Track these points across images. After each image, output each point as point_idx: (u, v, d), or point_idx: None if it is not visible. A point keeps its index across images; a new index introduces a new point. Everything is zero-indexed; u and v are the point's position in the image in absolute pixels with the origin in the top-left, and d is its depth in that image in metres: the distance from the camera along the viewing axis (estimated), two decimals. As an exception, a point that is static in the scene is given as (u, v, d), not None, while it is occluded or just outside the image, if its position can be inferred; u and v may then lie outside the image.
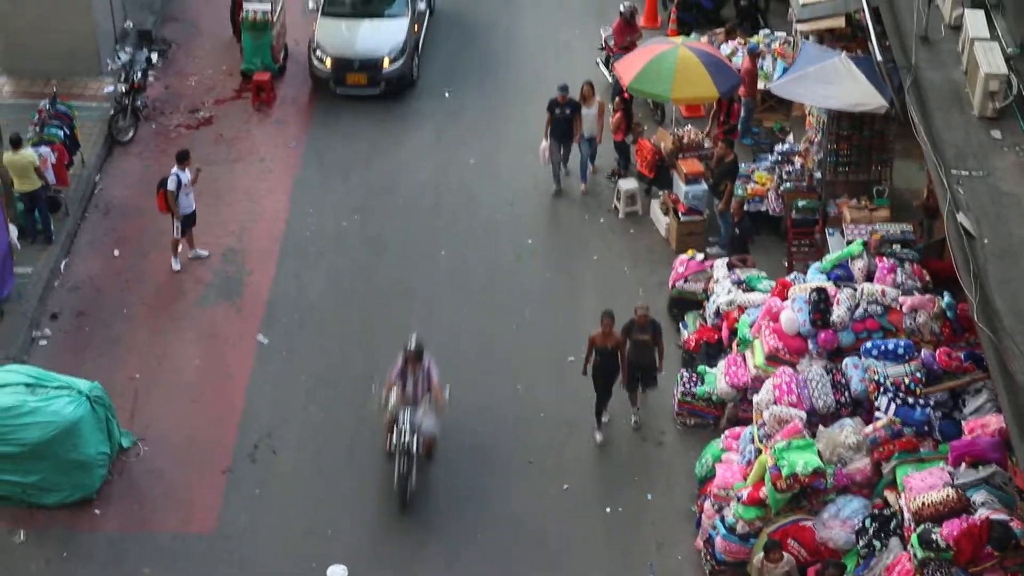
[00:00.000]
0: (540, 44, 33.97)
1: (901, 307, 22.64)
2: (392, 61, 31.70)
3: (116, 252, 27.56)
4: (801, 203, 27.15)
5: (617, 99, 29.54)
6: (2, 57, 31.78)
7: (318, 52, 31.84)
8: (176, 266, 26.88)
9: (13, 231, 26.46)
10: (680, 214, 27.61)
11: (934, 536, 18.77)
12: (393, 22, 32.40)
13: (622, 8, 31.67)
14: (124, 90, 30.59)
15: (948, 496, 19.27)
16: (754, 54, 30.03)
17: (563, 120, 28.42)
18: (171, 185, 26.30)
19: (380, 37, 32.04)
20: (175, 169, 26.39)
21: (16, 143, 26.59)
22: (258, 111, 31.63)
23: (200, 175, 27.19)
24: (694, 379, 24.03)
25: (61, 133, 28.22)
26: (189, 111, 31.46)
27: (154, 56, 32.81)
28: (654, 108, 31.10)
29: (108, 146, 30.16)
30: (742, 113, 29.98)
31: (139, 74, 31.19)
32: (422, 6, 33.46)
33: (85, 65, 31.61)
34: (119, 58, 32.30)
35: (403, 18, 32.42)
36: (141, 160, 30.01)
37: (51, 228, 27.31)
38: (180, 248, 26.95)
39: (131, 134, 30.54)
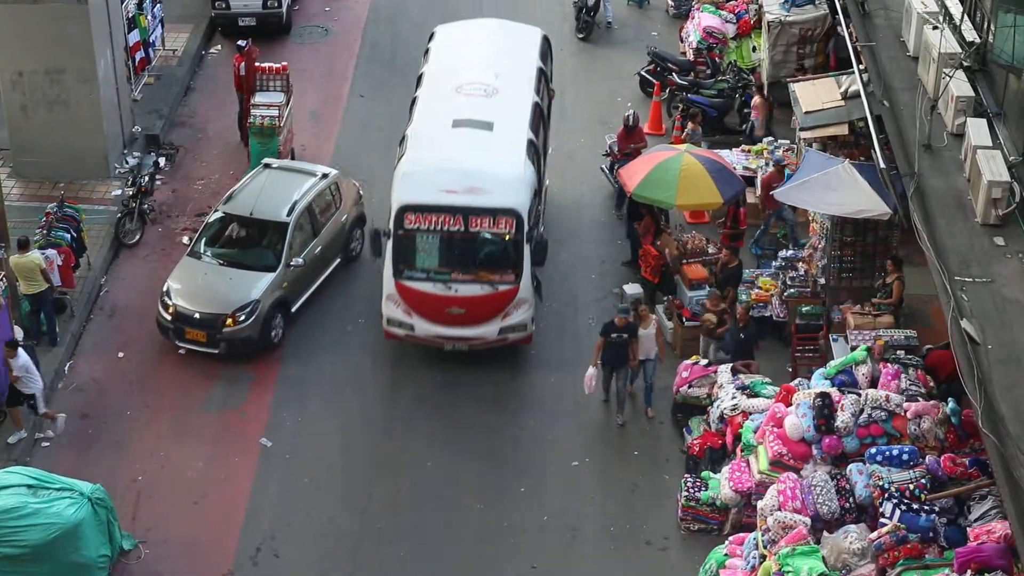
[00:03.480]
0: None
1: (905, 413, 22.62)
2: (236, 322, 27.40)
3: (120, 354, 27.60)
4: (805, 309, 27.20)
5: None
6: (11, 160, 31.98)
7: (163, 297, 27.81)
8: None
9: (18, 333, 26.49)
10: (684, 319, 27.65)
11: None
12: (254, 277, 27.93)
13: (625, 115, 31.94)
14: (131, 194, 30.77)
15: (954, 603, 19.17)
16: (780, 166, 30.09)
17: (619, 345, 26.07)
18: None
19: (230, 291, 27.79)
20: None
21: (23, 245, 26.72)
22: (264, 214, 31.78)
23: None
24: (698, 484, 23.95)
25: (68, 236, 28.36)
26: (195, 215, 31.58)
27: (162, 160, 33.01)
28: (658, 214, 31.19)
29: (114, 249, 30.29)
30: (762, 227, 30.08)
31: (146, 178, 31.35)
32: (299, 261, 28.17)
33: (93, 169, 31.84)
34: (127, 162, 32.51)
35: (269, 274, 27.86)
36: (147, 263, 30.12)
37: (56, 330, 27.38)
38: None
39: (138, 237, 30.68)
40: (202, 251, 28.38)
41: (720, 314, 26.63)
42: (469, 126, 28.05)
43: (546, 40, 31.89)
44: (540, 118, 29.34)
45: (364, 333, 28.38)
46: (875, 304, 26.30)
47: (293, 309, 28.36)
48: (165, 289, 27.81)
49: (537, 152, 28.35)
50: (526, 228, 26.45)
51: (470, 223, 26.48)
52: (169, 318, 27.49)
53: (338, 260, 29.74)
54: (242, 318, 27.27)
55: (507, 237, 26.59)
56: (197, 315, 27.35)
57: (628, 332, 25.95)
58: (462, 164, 27.15)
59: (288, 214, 28.34)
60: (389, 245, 26.72)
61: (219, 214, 28.85)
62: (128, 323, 28.35)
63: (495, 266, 26.82)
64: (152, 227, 31.11)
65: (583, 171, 33.09)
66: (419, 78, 30.38)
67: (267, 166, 29.90)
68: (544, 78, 30.60)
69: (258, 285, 27.66)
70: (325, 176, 29.64)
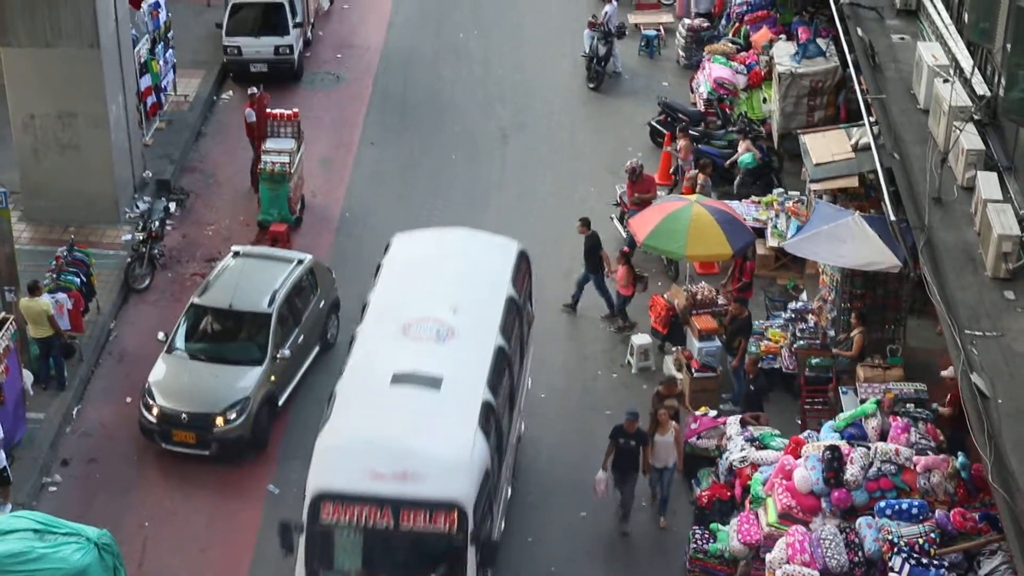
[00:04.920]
0: (557, 201, 34.17)
1: (915, 467, 22.56)
2: (227, 421, 26.10)
3: (128, 399, 27.56)
4: (814, 361, 27.15)
5: (619, 253, 29.67)
6: (22, 204, 32.06)
7: (145, 398, 26.40)
8: None
9: (28, 377, 26.53)
10: (693, 370, 27.62)
11: None
12: (241, 372, 26.66)
13: (629, 164, 31.98)
14: (141, 238, 30.82)
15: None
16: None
17: (628, 451, 24.61)
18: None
19: (218, 388, 26.46)
20: None
21: (33, 289, 26.76)
22: (274, 261, 31.79)
23: None
24: (706, 536, 23.85)
25: (77, 280, 28.41)
26: (205, 260, 31.62)
27: (172, 205, 33.08)
28: (668, 265, 31.24)
29: (124, 294, 30.33)
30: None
31: (157, 223, 31.43)
32: (286, 352, 26.99)
33: (104, 213, 31.91)
34: (137, 207, 32.58)
35: (256, 368, 26.64)
36: (156, 308, 30.14)
37: (64, 374, 27.38)
38: None
39: (147, 282, 30.72)
40: (181, 347, 26.95)
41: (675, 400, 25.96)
42: (412, 383, 22.70)
43: (523, 257, 26.46)
44: (505, 368, 23.98)
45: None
46: (835, 354, 26.60)
47: (280, 403, 27.15)
48: (146, 389, 26.32)
49: (497, 418, 23.10)
50: (471, 525, 21.13)
51: (401, 518, 21.13)
52: (154, 420, 26.01)
53: (317, 348, 28.63)
54: (233, 416, 25.89)
55: (447, 537, 21.22)
56: (185, 415, 25.89)
57: (637, 439, 24.53)
58: (397, 439, 21.72)
59: (269, 304, 27.12)
60: (301, 541, 21.47)
61: (194, 307, 27.45)
62: (137, 368, 28.27)
63: (430, 572, 21.63)
64: (162, 272, 31.16)
65: (593, 220, 33.01)
66: (364, 307, 25.12)
67: (237, 254, 28.56)
68: (516, 310, 25.24)
69: (246, 381, 26.30)
70: (300, 262, 28.38)
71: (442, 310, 24.04)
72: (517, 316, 25.18)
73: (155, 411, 26.02)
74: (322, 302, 28.70)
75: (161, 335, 27.21)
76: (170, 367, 26.73)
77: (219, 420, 25.88)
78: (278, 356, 26.72)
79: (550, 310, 29.94)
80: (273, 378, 26.71)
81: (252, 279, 27.79)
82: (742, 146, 33.51)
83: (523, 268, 26.36)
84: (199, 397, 26.23)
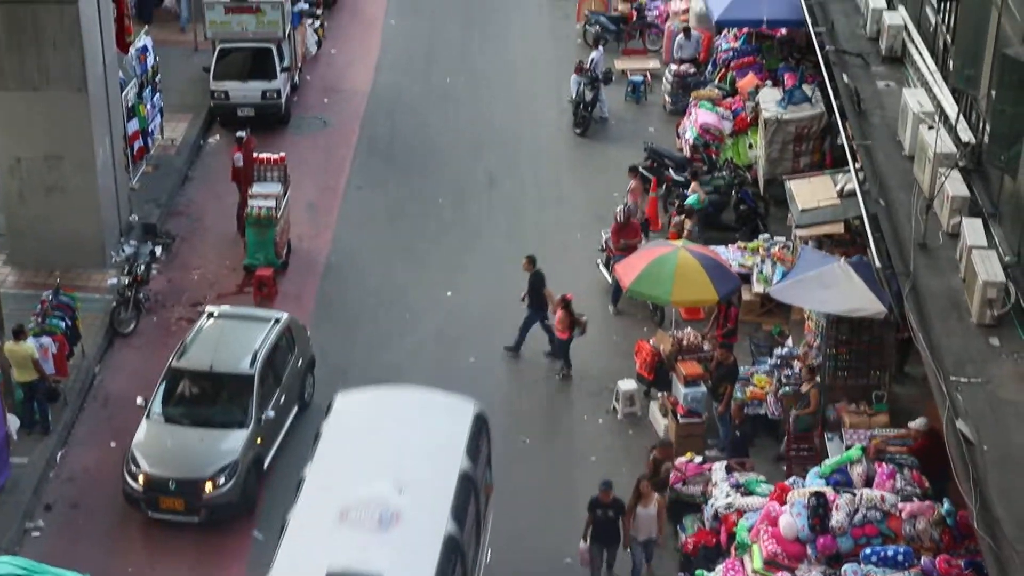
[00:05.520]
0: (543, 246, 34.15)
1: (900, 513, 22.50)
2: (216, 486, 25.46)
3: (113, 444, 27.44)
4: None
5: (560, 298, 29.70)
6: (7, 247, 32.02)
7: (129, 465, 25.71)
8: None
9: (12, 421, 26.44)
10: (679, 416, 27.58)
11: None
12: (226, 435, 26.08)
13: (618, 210, 32.06)
14: (127, 283, 30.78)
15: None
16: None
17: (606, 522, 23.96)
18: None
19: (205, 453, 25.84)
20: None
21: (18, 333, 26.72)
22: (259, 305, 31.71)
23: None
24: (692, 583, 23.79)
25: (62, 324, 28.36)
26: (191, 304, 31.58)
27: (158, 249, 33.03)
28: (653, 310, 31.24)
29: (109, 338, 30.26)
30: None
31: (142, 267, 31.38)
32: (271, 414, 26.54)
33: (89, 257, 31.86)
34: (123, 251, 32.54)
35: (241, 430, 26.04)
36: (141, 353, 30.07)
37: (49, 418, 27.28)
38: None
39: (132, 326, 30.66)
40: (162, 412, 26.32)
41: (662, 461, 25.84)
42: None
43: (480, 421, 24.04)
44: (457, 559, 21.39)
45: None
46: (796, 416, 26.62)
47: (265, 466, 26.62)
48: (130, 455, 25.65)
49: None
50: None
51: None
52: (140, 487, 25.32)
53: (296, 408, 28.11)
54: (222, 481, 25.28)
55: None
56: (172, 482, 25.25)
57: (614, 509, 23.86)
58: None
59: (251, 365, 26.56)
60: None
61: (173, 370, 26.79)
62: (121, 412, 28.18)
63: None
64: (147, 316, 31.11)
65: (578, 265, 33.13)
66: (299, 483, 22.57)
67: (212, 315, 28.01)
68: (472, 487, 22.66)
69: (233, 444, 25.73)
70: (278, 321, 27.89)
71: (386, 489, 21.53)
72: (472, 493, 22.67)
73: (141, 478, 25.36)
74: (299, 361, 28.26)
75: (140, 400, 26.54)
76: (153, 432, 26.10)
77: (208, 485, 25.29)
78: (263, 418, 26.27)
79: (535, 353, 29.91)
80: (260, 440, 26.26)
81: (231, 340, 27.29)
82: (692, 187, 33.68)
83: (480, 434, 23.91)
84: (186, 462, 25.66)
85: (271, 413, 26.47)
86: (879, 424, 25.62)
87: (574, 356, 29.67)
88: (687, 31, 40.58)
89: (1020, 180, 22.04)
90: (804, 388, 26.90)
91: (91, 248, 31.94)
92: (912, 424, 24.76)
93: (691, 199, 33.39)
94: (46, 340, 27.57)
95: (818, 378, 26.75)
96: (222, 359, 26.79)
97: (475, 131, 39.48)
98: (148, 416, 26.30)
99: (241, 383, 26.51)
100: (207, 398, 26.73)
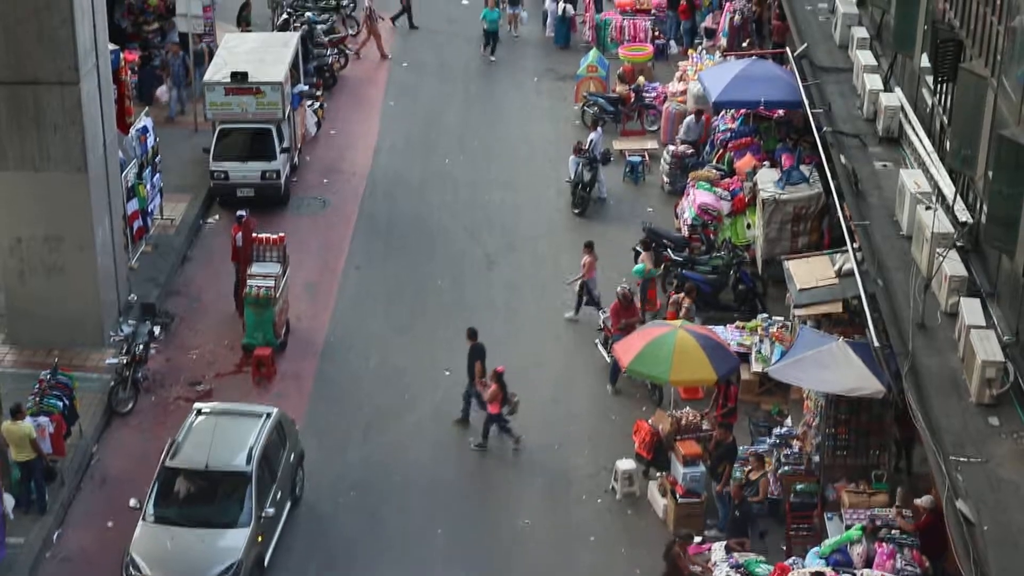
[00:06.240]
0: (542, 326, 34.19)
1: (901, 594, 22.43)
2: None
3: (110, 523, 27.32)
4: (800, 487, 27.06)
5: (492, 371, 29.71)
6: (6, 327, 32.03)
7: (129, 570, 25.14)
8: None
9: (8, 501, 26.34)
10: (678, 496, 27.49)
11: None
12: (226, 534, 25.54)
13: (619, 290, 32.11)
14: (125, 362, 30.74)
15: None
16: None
17: None
18: None
19: (208, 554, 25.25)
20: None
21: (15, 413, 26.68)
22: (258, 385, 31.71)
23: None
24: (691, 664, 23.63)
25: (60, 404, 28.30)
26: (189, 384, 31.56)
27: (156, 329, 32.97)
28: (652, 390, 31.21)
29: (107, 417, 30.19)
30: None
31: (141, 346, 31.35)
32: (271, 511, 26.09)
33: (88, 336, 31.84)
34: (122, 330, 32.51)
35: (241, 529, 25.52)
36: (139, 432, 30.00)
37: (46, 498, 27.18)
38: None
39: (130, 406, 30.61)
40: (159, 513, 25.74)
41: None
42: None
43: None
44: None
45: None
46: (745, 500, 26.48)
47: (266, 563, 26.09)
48: (129, 560, 25.01)
49: None
50: None
51: None
52: None
53: (289, 504, 27.59)
54: None
55: None
56: None
57: None
58: None
59: (248, 462, 26.11)
60: None
61: (167, 470, 26.27)
62: (119, 492, 28.06)
63: None
64: (145, 396, 31.05)
65: (578, 345, 33.13)
66: None
67: (200, 412, 27.46)
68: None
69: (234, 543, 25.16)
70: (269, 416, 27.41)
71: None
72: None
73: None
74: (291, 455, 27.77)
75: (133, 502, 25.93)
76: (151, 534, 25.51)
77: None
78: (263, 515, 25.77)
79: (533, 433, 29.85)
80: (260, 538, 25.77)
81: (224, 437, 26.81)
82: (641, 256, 34.06)
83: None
84: (189, 565, 25.15)
85: (270, 510, 26.00)
86: (879, 503, 25.52)
87: (569, 438, 29.51)
88: (699, 113, 40.70)
89: (1017, 260, 22.11)
90: (753, 476, 26.83)
91: (90, 327, 31.94)
92: (918, 501, 24.69)
93: (637, 268, 33.70)
94: (44, 420, 27.51)
95: (768, 466, 26.74)
96: (217, 457, 26.28)
97: (474, 212, 39.59)
98: (144, 518, 25.70)
99: (238, 480, 26.00)
100: (204, 497, 26.19)
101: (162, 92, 43.50)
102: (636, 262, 34.98)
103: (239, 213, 34.22)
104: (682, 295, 32.59)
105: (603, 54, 46.84)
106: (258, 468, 26.14)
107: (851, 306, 29.46)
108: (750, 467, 27.31)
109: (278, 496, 26.66)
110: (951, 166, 25.85)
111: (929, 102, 28.64)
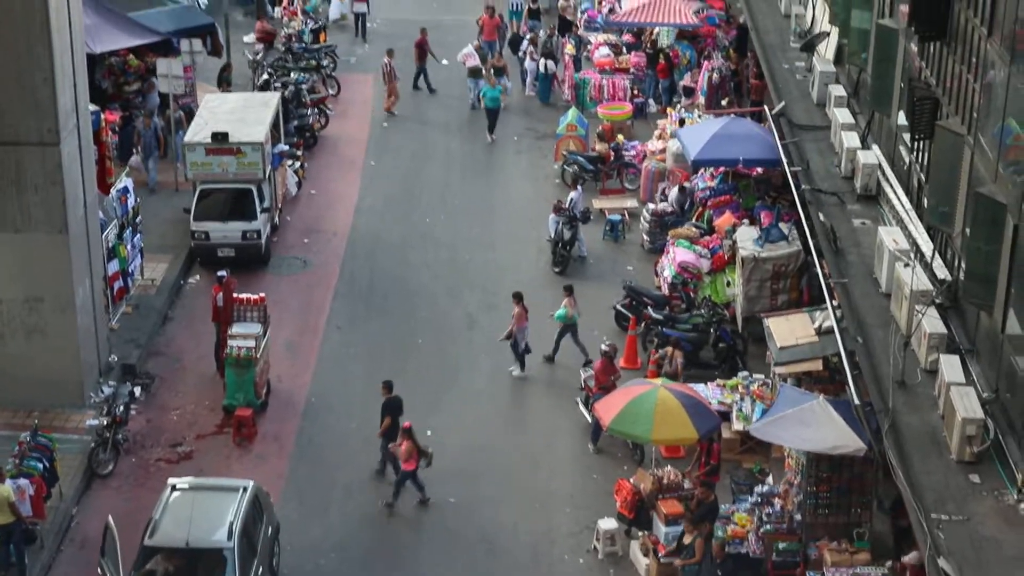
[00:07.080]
0: (523, 385, 34.19)
1: (884, 652, 22.38)
2: None
3: (90, 587, 27.23)
4: (782, 545, 27.01)
5: (400, 428, 29.70)
6: (-15, 388, 32.00)
7: None
8: None
9: (-14, 564, 26.23)
10: (660, 555, 27.43)
11: None
12: None
13: (603, 348, 32.14)
14: (106, 423, 30.63)
15: None
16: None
17: None
18: None
19: None
20: None
21: (-5, 475, 26.61)
22: (239, 446, 31.61)
23: None
24: None
25: (40, 466, 28.17)
26: (170, 445, 31.46)
27: (137, 390, 32.87)
28: (633, 449, 31.18)
29: (87, 479, 30.08)
30: None
31: (121, 408, 31.25)
32: None
33: (68, 398, 31.75)
34: (102, 391, 32.44)
35: None
36: (119, 494, 29.88)
37: (25, 561, 27.04)
38: None
39: (111, 467, 30.49)
40: None
41: None
42: None
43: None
44: None
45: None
46: (681, 566, 26.50)
47: None
48: None
49: None
50: None
51: None
52: None
53: None
54: None
55: None
56: None
57: None
58: None
59: (229, 538, 25.44)
60: None
61: (146, 549, 25.52)
62: (98, 555, 27.95)
63: None
64: (126, 457, 30.94)
65: (560, 404, 33.12)
66: None
67: (175, 488, 26.80)
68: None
69: None
70: (246, 490, 26.75)
71: None
72: None
73: None
74: (269, 528, 27.27)
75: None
76: None
77: None
78: None
79: (514, 493, 29.79)
80: None
81: (203, 512, 26.11)
82: (565, 302, 34.44)
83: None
84: None
85: None
86: (861, 561, 25.50)
87: (552, 495, 29.46)
88: (682, 188, 40.62)
89: (996, 316, 22.21)
90: (687, 539, 26.69)
91: (70, 388, 31.86)
92: (905, 558, 24.67)
93: (559, 313, 34.10)
94: (23, 482, 27.38)
95: (699, 530, 26.64)
96: (197, 533, 25.58)
97: (454, 271, 39.64)
98: None
99: (218, 557, 25.39)
100: (182, 574, 25.55)
101: (135, 162, 43.11)
102: (617, 323, 35.05)
103: (219, 273, 34.21)
104: (670, 349, 32.62)
105: (582, 113, 47.08)
106: (239, 544, 25.56)
107: (831, 364, 29.52)
108: (683, 532, 27.01)
109: (259, 571, 26.14)
110: (929, 223, 25.99)
111: (906, 159, 28.82)
